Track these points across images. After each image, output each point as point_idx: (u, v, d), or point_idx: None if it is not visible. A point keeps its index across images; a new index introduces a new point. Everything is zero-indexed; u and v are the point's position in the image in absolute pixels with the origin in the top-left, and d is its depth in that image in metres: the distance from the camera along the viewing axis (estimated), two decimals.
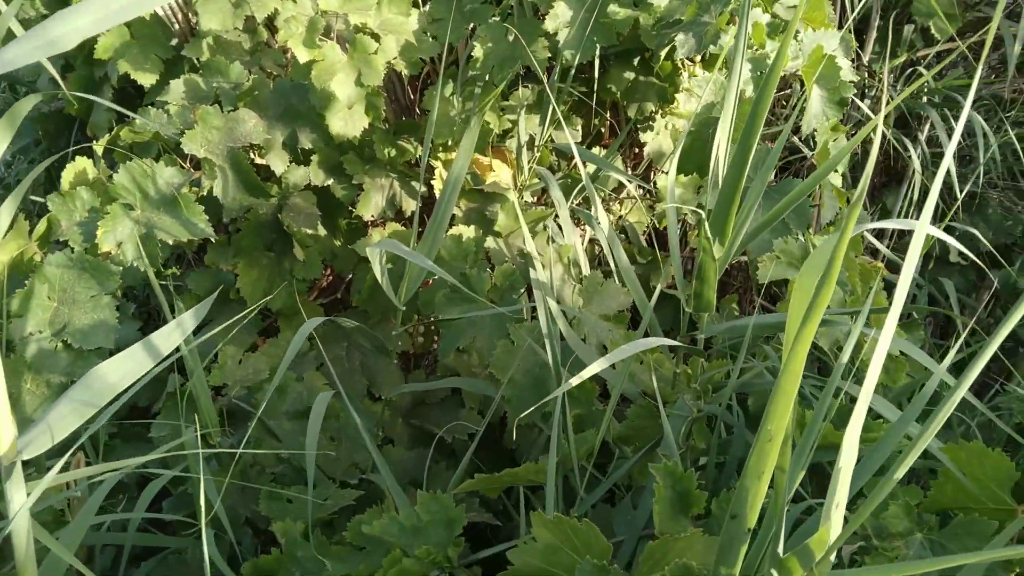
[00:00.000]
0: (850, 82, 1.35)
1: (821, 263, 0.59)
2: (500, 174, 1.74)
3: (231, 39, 1.68)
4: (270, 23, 1.71)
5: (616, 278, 1.26)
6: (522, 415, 0.96)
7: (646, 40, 1.56)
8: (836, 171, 1.38)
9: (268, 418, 1.21)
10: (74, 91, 1.85)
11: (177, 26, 1.82)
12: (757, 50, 1.37)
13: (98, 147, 1.27)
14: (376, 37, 1.54)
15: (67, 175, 1.22)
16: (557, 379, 1.03)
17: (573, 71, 1.55)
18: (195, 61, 1.62)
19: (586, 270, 1.38)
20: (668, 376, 1.03)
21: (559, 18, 1.48)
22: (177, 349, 0.91)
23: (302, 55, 1.43)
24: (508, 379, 1.11)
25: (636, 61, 1.77)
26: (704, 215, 0.93)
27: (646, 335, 1.05)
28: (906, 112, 2.14)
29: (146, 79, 1.64)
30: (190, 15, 1.72)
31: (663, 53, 1.49)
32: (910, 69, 2.18)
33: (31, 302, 1.05)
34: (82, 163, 1.24)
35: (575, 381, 0.84)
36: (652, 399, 0.96)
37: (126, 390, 0.83)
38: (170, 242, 1.15)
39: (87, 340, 1.04)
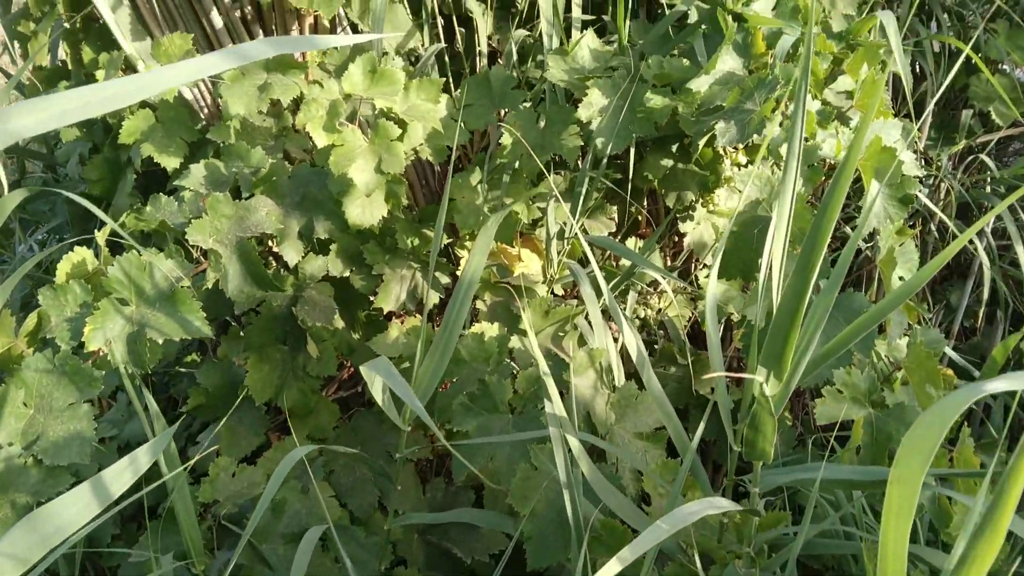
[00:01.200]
0: (915, 177, 1.22)
1: (936, 423, 0.45)
2: (530, 265, 1.64)
3: (257, 123, 1.63)
4: (297, 106, 1.66)
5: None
6: (542, 560, 0.81)
7: (685, 127, 1.46)
8: (899, 275, 1.23)
9: (261, 541, 1.08)
10: (100, 173, 1.82)
11: (205, 109, 1.79)
12: (807, 141, 1.26)
13: (100, 236, 1.20)
14: (402, 123, 1.47)
15: (63, 266, 1.15)
16: (578, 536, 0.88)
17: (606, 160, 1.45)
18: (219, 144, 1.58)
19: (620, 377, 1.24)
20: (714, 526, 0.87)
21: (593, 106, 1.39)
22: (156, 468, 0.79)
23: (320, 139, 1.36)
24: (529, 512, 0.97)
25: (674, 147, 1.67)
26: (753, 338, 0.80)
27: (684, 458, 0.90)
28: (970, 201, 1.99)
29: (170, 162, 1.59)
30: (218, 99, 1.68)
31: (702, 141, 1.39)
32: (970, 157, 2.04)
33: (4, 409, 0.96)
34: (81, 253, 1.17)
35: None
36: (692, 560, 0.80)
37: (81, 527, 0.71)
38: (160, 341, 1.05)
39: (59, 455, 0.93)
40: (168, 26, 1.74)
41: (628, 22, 1.67)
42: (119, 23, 1.62)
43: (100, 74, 1.63)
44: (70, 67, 1.73)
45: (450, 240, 1.69)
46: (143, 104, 1.64)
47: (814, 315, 0.73)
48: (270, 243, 1.56)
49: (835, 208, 0.71)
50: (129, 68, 1.64)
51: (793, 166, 0.83)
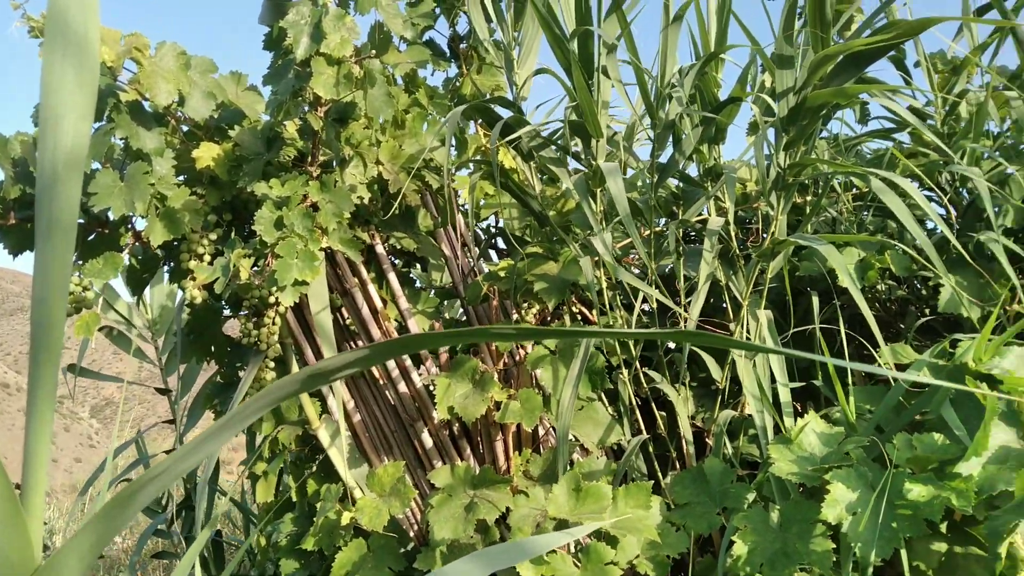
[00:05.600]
0: None
1: None
2: None
3: (464, 541, 1.57)
4: (503, 518, 1.60)
5: None
6: None
7: (969, 512, 1.19)
8: None
9: None
10: None
11: (415, 527, 1.77)
12: None
13: None
14: (613, 539, 1.33)
15: None
16: None
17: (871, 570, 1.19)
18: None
19: None
20: None
21: (839, 503, 1.19)
22: None
23: (527, 572, 1.24)
24: None
25: (944, 527, 1.37)
26: None
27: None
28: None
29: None
30: (423, 525, 1.66)
31: (1003, 547, 1.11)
32: None
33: None
34: None
35: None
36: None
37: None
38: None
39: None
40: (384, 450, 1.82)
41: (850, 391, 1.52)
42: (341, 452, 1.72)
43: (321, 505, 1.69)
44: (294, 499, 1.82)
45: None
46: (357, 531, 1.65)
47: None
48: None
49: None
50: (346, 497, 1.69)
51: None
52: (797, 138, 1.47)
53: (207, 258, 1.58)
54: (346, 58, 1.31)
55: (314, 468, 1.85)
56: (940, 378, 1.32)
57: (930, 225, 2.02)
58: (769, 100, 1.53)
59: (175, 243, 1.69)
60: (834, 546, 1.24)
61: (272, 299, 1.53)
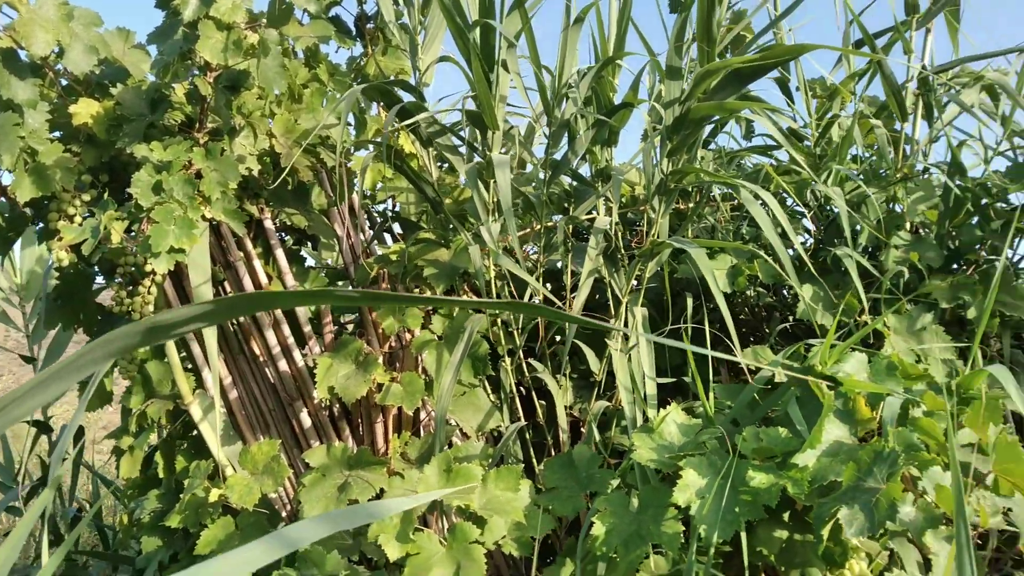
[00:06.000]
0: None
1: None
2: None
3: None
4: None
5: None
6: None
7: (801, 500, 1.30)
8: None
9: None
10: None
11: (288, 507, 1.76)
12: (947, 522, 1.08)
13: None
14: (480, 520, 1.37)
15: None
16: None
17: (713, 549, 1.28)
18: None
19: None
20: None
21: (690, 488, 1.27)
22: None
23: (393, 551, 1.26)
24: None
25: (786, 516, 1.49)
26: None
27: None
28: None
29: None
30: (296, 504, 1.65)
31: (826, 530, 1.22)
32: None
33: None
34: None
35: None
36: None
37: None
38: None
39: None
40: (261, 428, 1.79)
41: (711, 387, 1.62)
42: (213, 428, 1.68)
43: (189, 482, 1.65)
44: (161, 476, 1.77)
45: None
46: (225, 509, 1.62)
47: None
48: None
49: None
50: (216, 474, 1.66)
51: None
52: (680, 146, 1.56)
53: (78, 219, 1.51)
54: (237, 24, 1.28)
55: (185, 445, 1.80)
56: (791, 379, 1.43)
57: (803, 238, 2.17)
58: (660, 108, 1.61)
59: (45, 202, 1.61)
60: (684, 529, 1.33)
61: (148, 267, 1.48)
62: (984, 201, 1.80)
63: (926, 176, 1.98)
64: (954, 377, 1.54)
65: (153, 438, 1.83)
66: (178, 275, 1.72)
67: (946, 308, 1.75)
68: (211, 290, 1.61)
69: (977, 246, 1.85)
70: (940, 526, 1.07)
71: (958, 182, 1.76)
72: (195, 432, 1.76)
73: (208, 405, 1.67)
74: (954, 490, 0.71)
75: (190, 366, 1.75)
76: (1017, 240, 1.99)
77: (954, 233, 1.83)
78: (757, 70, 1.51)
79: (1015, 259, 2.06)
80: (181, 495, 1.57)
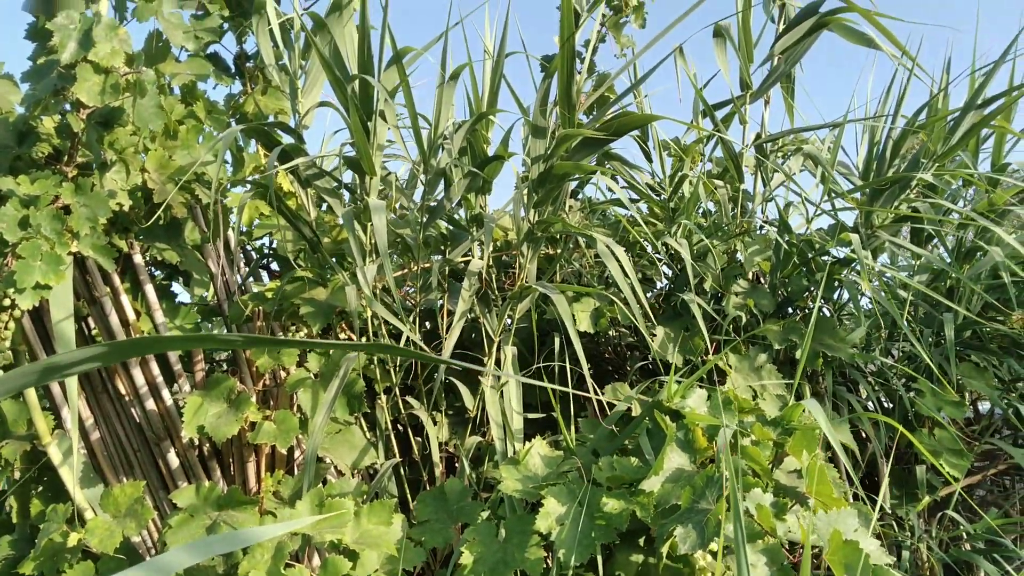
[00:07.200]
0: (887, 565, 1.18)
1: None
2: None
3: (205, 563, 1.55)
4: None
5: None
6: None
7: (648, 522, 1.43)
8: None
9: None
10: None
11: (149, 556, 1.71)
12: (768, 538, 1.23)
13: None
14: (353, 554, 1.41)
15: None
16: None
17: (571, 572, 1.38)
18: None
19: None
20: None
21: (551, 515, 1.37)
22: None
23: None
24: None
25: (642, 541, 1.62)
26: None
27: None
28: (951, 563, 1.92)
29: None
30: (160, 547, 1.62)
31: (665, 547, 1.35)
32: (939, 512, 2.02)
33: None
34: None
35: None
36: None
37: None
38: None
39: None
40: (125, 470, 1.75)
41: (574, 422, 1.75)
42: (73, 470, 1.62)
43: (45, 526, 1.58)
44: (15, 520, 1.68)
45: None
46: (85, 555, 1.56)
47: None
48: None
49: None
50: (75, 518, 1.60)
51: None
52: (545, 198, 1.69)
53: None
54: (115, 68, 1.29)
55: (40, 488, 1.72)
56: (643, 409, 1.58)
57: (663, 283, 2.37)
58: (528, 162, 1.75)
59: None
60: (546, 554, 1.42)
61: (7, 302, 1.43)
62: (809, 255, 2.05)
63: (763, 231, 2.23)
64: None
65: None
66: (38, 310, 1.66)
67: (779, 349, 1.97)
68: (73, 326, 1.57)
69: (804, 294, 2.11)
70: (758, 540, 1.22)
71: (786, 238, 2.01)
72: (51, 474, 1.68)
73: (68, 447, 1.62)
74: (733, 507, 0.85)
75: (48, 404, 1.69)
76: (838, 289, 2.27)
77: (785, 282, 2.07)
78: (609, 136, 1.67)
79: (838, 306, 2.35)
80: (36, 540, 1.50)
